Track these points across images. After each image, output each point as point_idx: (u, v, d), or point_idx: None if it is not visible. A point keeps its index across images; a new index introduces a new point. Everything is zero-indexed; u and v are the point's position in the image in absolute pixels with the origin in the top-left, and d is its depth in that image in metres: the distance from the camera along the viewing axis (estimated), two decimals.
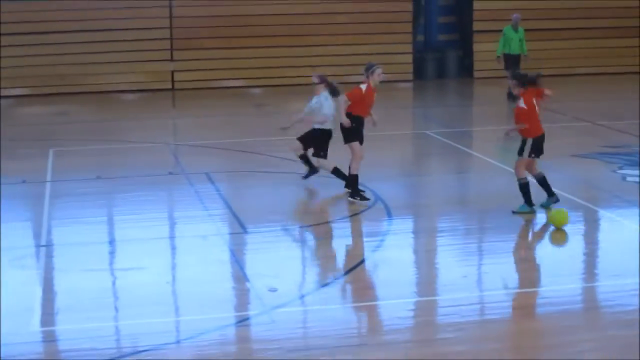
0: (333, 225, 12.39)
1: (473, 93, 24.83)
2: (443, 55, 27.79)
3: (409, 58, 27.27)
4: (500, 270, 10.73)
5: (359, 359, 8.26)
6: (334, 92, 14.42)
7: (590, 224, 12.72)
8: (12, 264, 11.12)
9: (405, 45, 27.27)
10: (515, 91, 12.63)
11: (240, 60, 26.12)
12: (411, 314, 9.61)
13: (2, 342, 8.73)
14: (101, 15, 25.64)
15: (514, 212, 12.50)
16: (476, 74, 27.14)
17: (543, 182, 12.72)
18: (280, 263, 11.06)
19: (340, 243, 11.76)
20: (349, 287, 10.26)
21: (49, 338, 9.00)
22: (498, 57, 22.63)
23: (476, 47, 27.17)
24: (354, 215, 12.83)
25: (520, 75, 12.60)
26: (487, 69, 26.44)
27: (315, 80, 14.87)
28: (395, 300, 9.77)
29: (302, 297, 9.93)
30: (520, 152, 12.45)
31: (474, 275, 10.68)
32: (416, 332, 9.16)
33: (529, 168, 12.62)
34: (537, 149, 12.40)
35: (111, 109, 23.69)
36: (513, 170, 12.58)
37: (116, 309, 9.75)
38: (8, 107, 23.85)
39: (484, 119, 21.64)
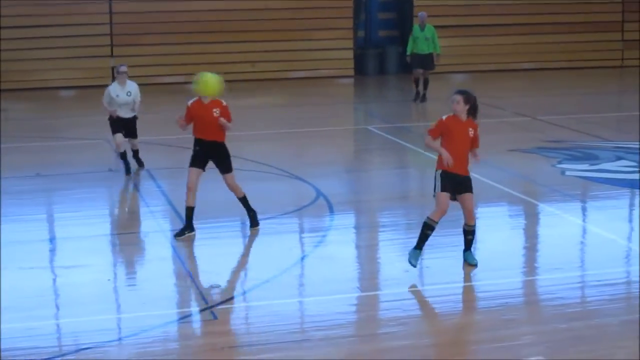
0: (275, 221, 12.40)
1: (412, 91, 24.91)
2: (384, 51, 27.92)
3: (350, 54, 27.39)
4: (441, 265, 10.82)
5: (302, 354, 8.30)
6: None
7: (530, 218, 12.87)
8: None
9: (346, 41, 27.36)
10: (461, 114, 10.32)
11: (180, 56, 26.03)
12: (353, 309, 9.67)
13: None
14: (39, 11, 25.41)
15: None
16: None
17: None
18: (223, 259, 11.06)
19: (283, 239, 11.80)
20: (291, 283, 10.28)
21: None
22: (407, 56, 22.36)
23: None
24: (296, 211, 12.86)
25: (472, 98, 10.34)
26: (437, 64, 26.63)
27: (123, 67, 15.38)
28: (338, 295, 9.82)
29: (244, 293, 9.94)
30: None
31: (416, 270, 10.76)
32: (359, 327, 9.22)
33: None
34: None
35: (50, 105, 23.49)
36: None
37: (57, 307, 9.73)
38: None
39: (424, 115, 21.78)
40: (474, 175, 13.80)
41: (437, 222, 10.23)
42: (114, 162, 16.24)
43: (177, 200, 13.53)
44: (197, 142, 11.97)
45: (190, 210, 11.74)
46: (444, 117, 10.28)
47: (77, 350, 8.36)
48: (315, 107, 22.60)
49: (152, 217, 12.88)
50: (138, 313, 9.40)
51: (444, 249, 11.65)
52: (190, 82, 17.74)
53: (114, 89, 14.80)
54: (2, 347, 8.67)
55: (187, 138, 17.89)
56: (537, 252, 11.63)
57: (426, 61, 21.33)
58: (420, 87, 21.40)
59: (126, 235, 12.45)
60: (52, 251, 11.77)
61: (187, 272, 10.72)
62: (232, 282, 10.23)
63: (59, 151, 17.51)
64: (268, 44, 26.40)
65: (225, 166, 11.93)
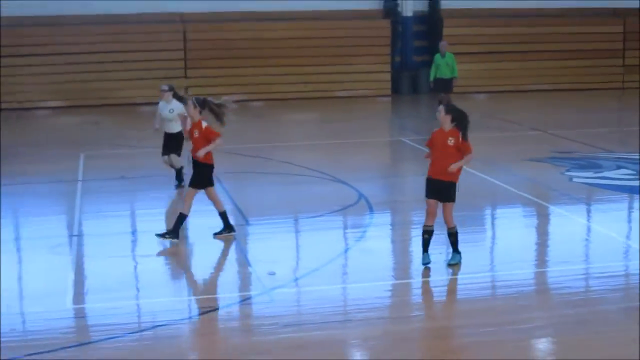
0: (323, 218, 12.36)
1: None
2: (417, 73, 27.73)
3: (388, 76, 27.29)
4: (464, 258, 10.72)
5: (345, 333, 8.26)
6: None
7: (541, 218, 12.72)
8: (48, 251, 11.11)
9: (384, 65, 27.28)
10: (445, 123, 9.92)
11: (243, 77, 26.09)
12: (389, 294, 9.64)
13: (41, 318, 8.73)
14: (124, 39, 25.61)
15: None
16: None
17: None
18: (278, 250, 11.05)
19: (329, 234, 11.77)
20: (336, 271, 10.24)
21: (80, 314, 9.01)
22: (431, 81, 21.77)
23: None
24: (340, 210, 12.81)
25: (455, 110, 9.98)
26: (454, 85, 26.46)
27: (165, 87, 14.68)
28: (375, 282, 9.78)
29: (296, 279, 9.92)
30: None
31: (443, 262, 10.67)
32: (393, 310, 9.17)
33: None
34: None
35: (133, 119, 23.62)
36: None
37: (137, 290, 9.76)
38: (44, 117, 23.80)
39: None
40: (495, 181, 13.77)
41: (431, 226, 10.00)
42: (187, 165, 16.29)
43: (239, 199, 13.55)
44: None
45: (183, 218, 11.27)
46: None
47: (153, 327, 8.40)
48: (357, 122, 22.56)
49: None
50: (206, 295, 9.42)
51: (467, 244, 11.56)
52: (253, 100, 17.60)
53: (160, 106, 14.42)
54: (89, 323, 8.75)
55: (246, 147, 18.05)
56: (547, 248, 11.51)
57: (448, 85, 20.97)
58: None
59: (195, 230, 12.46)
60: (134, 242, 11.84)
61: (247, 261, 10.72)
62: (285, 270, 10.20)
63: (139, 157, 17.59)
64: (318, 67, 26.39)
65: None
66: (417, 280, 9.94)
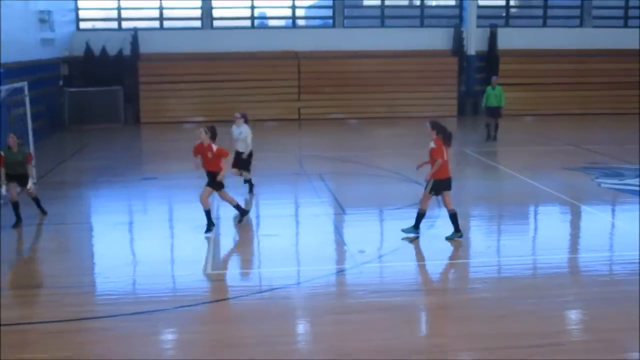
0: (402, 210, 12.30)
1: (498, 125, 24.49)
2: (477, 100, 27.25)
3: (455, 101, 26.97)
4: (512, 244, 10.57)
5: (417, 299, 8.24)
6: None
7: (575, 215, 12.42)
8: (193, 230, 11.36)
9: (452, 92, 26.99)
10: (432, 136, 10.39)
11: (342, 101, 26.16)
12: (453, 270, 9.57)
13: (187, 280, 8.94)
14: (253, 70, 25.98)
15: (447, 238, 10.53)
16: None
17: (454, 217, 10.47)
18: (367, 234, 11.08)
19: (406, 222, 11.67)
20: (411, 252, 10.20)
21: (215, 278, 9.20)
22: (483, 107, 21.12)
23: None
24: (415, 204, 12.69)
25: (437, 125, 10.44)
26: (508, 109, 25.99)
27: (237, 115, 13.58)
28: (440, 261, 9.73)
29: (380, 257, 9.92)
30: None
31: (495, 247, 10.52)
32: (455, 283, 9.10)
33: (446, 202, 10.49)
34: (444, 188, 10.38)
35: (258, 132, 23.91)
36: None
37: (259, 261, 9.91)
38: (191, 130, 24.28)
39: (504, 143, 21.25)
40: (537, 185, 13.48)
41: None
42: (299, 167, 16.43)
43: (338, 194, 13.60)
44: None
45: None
46: (433, 145, 10.39)
47: (270, 290, 8.54)
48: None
49: (322, 205, 12.96)
50: (310, 267, 9.49)
51: (514, 234, 11.38)
52: (350, 118, 17.49)
53: (233, 129, 13.45)
54: (223, 285, 8.91)
55: (346, 154, 18.11)
56: (579, 238, 11.27)
57: (496, 112, 20.29)
58: (492, 131, 20.42)
59: (304, 216, 12.58)
60: (258, 224, 12.02)
61: (343, 241, 10.76)
62: (372, 249, 10.20)
63: (266, 160, 17.77)
64: (401, 94, 26.30)
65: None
66: (474, 261, 9.86)
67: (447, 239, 10.45)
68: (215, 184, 10.98)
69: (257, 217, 12.53)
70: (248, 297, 8.32)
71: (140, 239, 11.28)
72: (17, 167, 11.34)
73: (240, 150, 13.26)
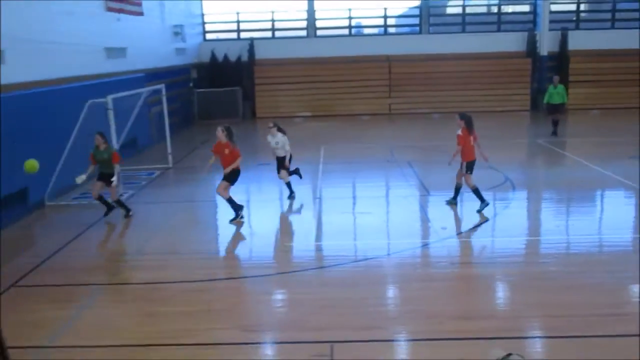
0: (485, 192, 12.07)
1: (567, 119, 23.37)
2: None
3: (528, 97, 26.01)
4: (580, 224, 10.17)
5: (495, 269, 8.09)
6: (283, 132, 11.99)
7: (638, 199, 11.79)
8: (301, 209, 11.54)
9: (525, 89, 26.05)
10: (460, 125, 10.69)
11: (428, 97, 25.76)
12: (523, 246, 9.30)
13: (295, 249, 9.10)
14: (351, 72, 25.97)
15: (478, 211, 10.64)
16: (569, 107, 25.55)
17: (476, 191, 10.73)
18: (448, 213, 10.93)
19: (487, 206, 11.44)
20: (488, 228, 10.01)
21: (319, 249, 9.32)
22: (544, 104, 19.50)
23: (570, 92, 25.57)
24: (492, 188, 12.43)
25: (465, 116, 10.74)
26: (577, 104, 25.00)
27: (270, 124, 12.03)
28: (515, 238, 9.48)
29: (460, 232, 9.79)
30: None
31: (564, 226, 10.14)
32: (526, 257, 8.85)
33: (467, 181, 10.77)
34: (469, 168, 10.70)
35: (354, 124, 23.95)
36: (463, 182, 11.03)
37: (353, 235, 9.95)
38: (299, 123, 24.62)
39: (573, 133, 20.40)
40: (604, 172, 12.86)
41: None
42: (390, 155, 16.33)
43: (424, 178, 13.47)
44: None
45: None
46: (459, 133, 10.69)
47: (365, 259, 8.58)
48: (506, 128, 21.73)
49: (409, 188, 12.88)
50: (399, 240, 9.47)
51: (583, 215, 10.92)
52: (433, 113, 17.15)
53: (269, 138, 12.01)
54: (324, 254, 9.01)
55: (432, 145, 17.87)
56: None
57: (557, 108, 18.87)
58: (554, 127, 18.95)
59: (394, 197, 12.53)
60: (354, 204, 12.07)
61: (427, 218, 10.67)
62: (453, 226, 10.08)
63: (360, 149, 17.82)
64: (479, 91, 25.63)
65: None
66: (545, 238, 9.54)
67: (479, 211, 10.50)
68: (230, 178, 10.56)
69: (354, 197, 12.58)
70: (345, 265, 8.40)
71: (256, 214, 11.56)
72: (103, 165, 10.75)
73: (281, 155, 11.91)
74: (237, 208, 10.60)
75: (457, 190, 11.09)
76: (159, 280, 8.04)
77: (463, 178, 10.86)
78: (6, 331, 3.78)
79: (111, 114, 12.36)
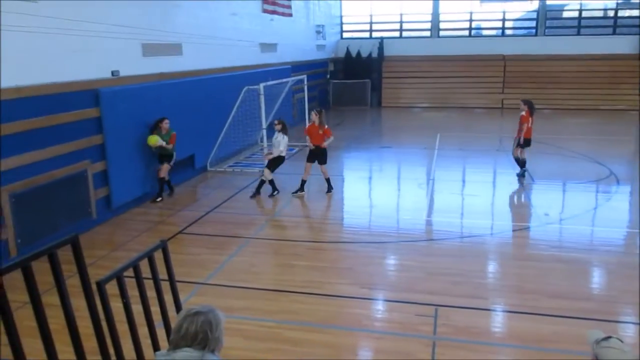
0: (585, 184, 11.28)
1: None
2: None
3: (637, 97, 23.72)
4: (612, 215, 9.19)
5: (589, 256, 7.57)
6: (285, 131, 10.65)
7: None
8: (417, 187, 11.40)
9: (635, 90, 23.75)
10: (524, 108, 11.62)
11: (540, 94, 24.17)
12: (622, 237, 8.56)
13: (409, 223, 9.03)
14: (470, 69, 25.07)
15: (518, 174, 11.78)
16: None
17: (523, 163, 11.80)
18: (552, 200, 10.35)
19: (588, 194, 10.72)
20: (587, 218, 9.34)
21: (429, 224, 9.18)
22: None
23: None
24: (596, 180, 11.56)
25: (527, 102, 11.67)
26: None
27: (276, 121, 10.78)
28: (614, 228, 8.77)
29: (561, 220, 9.22)
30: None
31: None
32: (624, 248, 8.15)
33: (521, 154, 11.77)
34: (527, 144, 11.70)
35: (469, 116, 23.14)
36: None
37: (461, 214, 9.70)
38: (418, 112, 24.19)
39: None
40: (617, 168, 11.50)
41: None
42: (499, 144, 15.65)
43: (531, 168, 12.79)
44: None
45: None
46: (523, 114, 11.51)
47: (470, 236, 8.35)
48: (616, 125, 19.99)
49: (516, 175, 12.24)
50: (502, 222, 9.11)
51: (613, 201, 9.86)
52: (543, 108, 15.91)
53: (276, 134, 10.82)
54: (434, 228, 8.86)
55: (542, 137, 16.87)
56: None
57: None
58: None
59: (500, 183, 11.99)
60: (462, 186, 11.73)
61: (531, 204, 10.15)
62: (555, 213, 9.51)
63: (469, 138, 17.26)
64: (592, 90, 23.78)
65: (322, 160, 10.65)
66: None
67: (518, 174, 11.23)
68: (320, 157, 10.60)
69: (463, 181, 12.23)
70: (453, 239, 8.23)
71: (376, 189, 11.58)
72: (166, 147, 10.21)
73: (274, 154, 10.58)
74: (275, 188, 10.58)
75: (518, 161, 11.82)
76: (294, 239, 8.32)
77: (519, 151, 11.68)
78: (175, 269, 4.10)
79: (262, 99, 12.83)
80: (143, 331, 3.69)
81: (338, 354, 5.15)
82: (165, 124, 10.20)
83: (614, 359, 2.22)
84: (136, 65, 10.19)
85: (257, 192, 10.67)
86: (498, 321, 5.88)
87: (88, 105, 8.85)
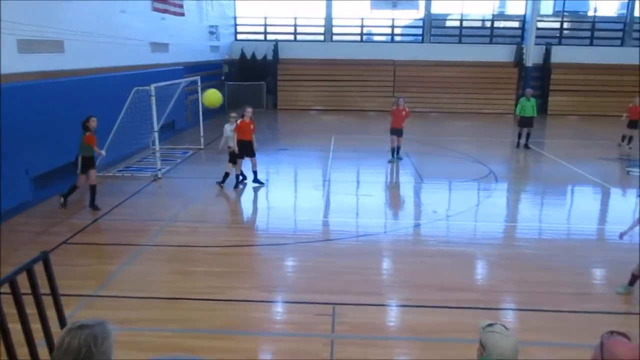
0: (467, 183, 12.04)
1: (547, 124, 23.21)
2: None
3: (513, 102, 25.72)
4: (552, 214, 10.05)
5: (475, 250, 8.07)
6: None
7: (605, 194, 11.71)
8: (312, 188, 11.54)
9: (511, 95, 25.78)
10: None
11: (427, 98, 25.56)
12: (501, 230, 9.23)
13: (306, 223, 9.12)
14: (363, 73, 25.84)
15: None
16: (549, 112, 25.30)
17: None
18: (439, 198, 10.93)
19: (470, 192, 11.41)
20: (472, 214, 9.99)
21: (326, 224, 9.33)
22: (516, 115, 17.86)
23: (551, 99, 25.38)
24: (477, 179, 12.38)
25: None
26: (557, 110, 24.83)
27: (234, 114, 11.69)
28: (496, 223, 9.42)
29: (448, 216, 9.78)
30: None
31: (538, 215, 10.05)
32: (505, 240, 8.80)
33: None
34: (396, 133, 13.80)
35: (362, 119, 23.84)
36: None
37: (356, 214, 9.97)
38: (314, 115, 24.55)
39: (550, 135, 20.22)
40: (576, 170, 12.75)
41: None
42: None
43: (419, 167, 13.43)
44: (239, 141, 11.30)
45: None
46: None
47: (365, 235, 8.59)
48: (491, 127, 21.50)
49: (405, 175, 12.88)
50: (394, 220, 9.48)
51: (554, 206, 10.85)
52: (431, 112, 16.91)
53: (227, 127, 11.91)
54: (330, 228, 9.03)
55: (428, 139, 17.78)
56: (607, 212, 10.59)
57: (528, 122, 16.69)
58: (523, 139, 16.89)
59: (392, 183, 12.51)
60: (357, 187, 12.04)
61: (420, 202, 10.66)
62: (443, 210, 10.07)
63: (365, 140, 17.75)
64: (471, 94, 25.48)
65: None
66: (521, 224, 9.54)
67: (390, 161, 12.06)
68: (250, 151, 11.33)
69: (358, 182, 12.58)
70: (349, 239, 8.44)
71: (273, 192, 11.61)
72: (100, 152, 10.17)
73: (231, 145, 11.48)
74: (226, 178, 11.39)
75: (393, 151, 13.71)
76: (191, 244, 8.12)
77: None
78: (59, 282, 3.85)
79: (153, 100, 12.40)
80: (23, 351, 3.44)
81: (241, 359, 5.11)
82: (93, 122, 9.78)
83: (496, 342, 2.41)
84: (11, 62, 9.45)
85: (237, 185, 11.49)
86: (393, 316, 6.14)
87: None
